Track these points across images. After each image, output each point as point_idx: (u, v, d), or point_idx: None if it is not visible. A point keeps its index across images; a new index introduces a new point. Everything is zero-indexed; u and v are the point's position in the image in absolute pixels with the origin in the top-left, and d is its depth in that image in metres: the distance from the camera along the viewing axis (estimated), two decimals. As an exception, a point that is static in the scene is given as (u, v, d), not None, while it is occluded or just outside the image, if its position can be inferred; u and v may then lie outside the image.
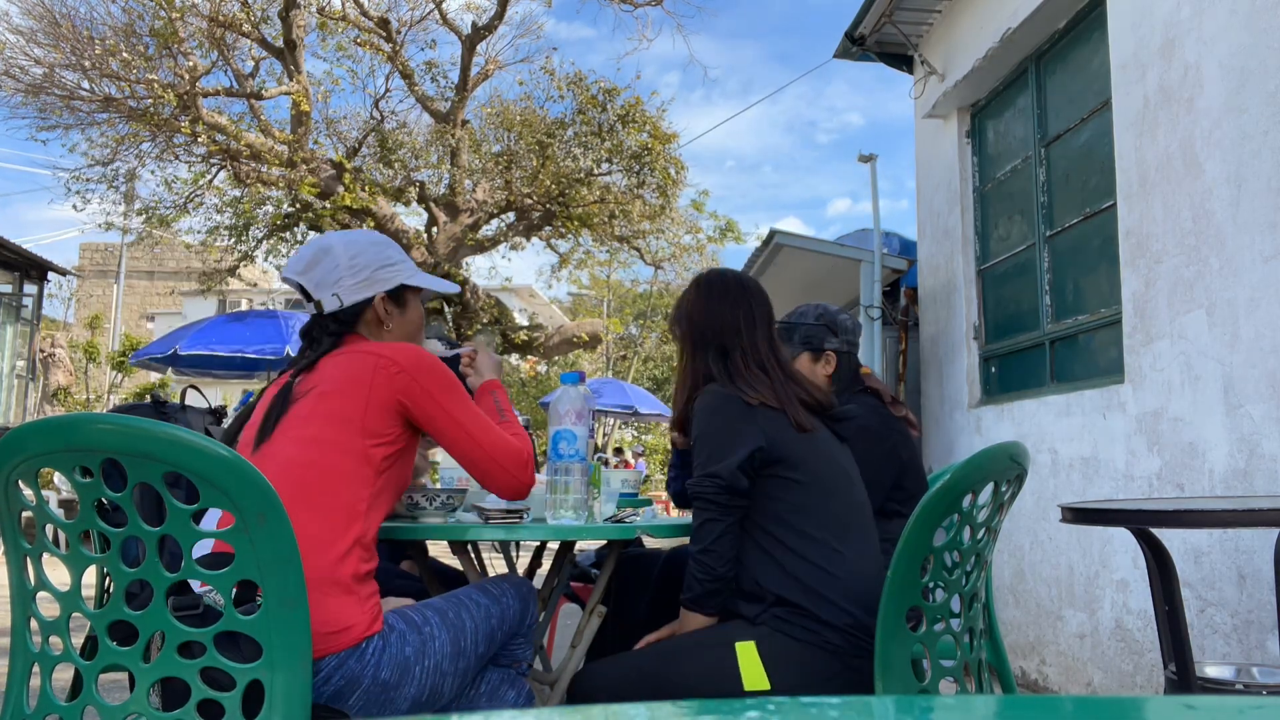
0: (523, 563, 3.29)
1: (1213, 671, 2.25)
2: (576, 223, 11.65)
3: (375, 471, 1.58)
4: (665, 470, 25.69)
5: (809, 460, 1.79)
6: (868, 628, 1.66)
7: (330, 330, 1.75)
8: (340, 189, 10.33)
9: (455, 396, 1.68)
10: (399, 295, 1.83)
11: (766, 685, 1.65)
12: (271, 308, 13.01)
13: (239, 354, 8.13)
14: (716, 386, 1.86)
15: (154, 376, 14.89)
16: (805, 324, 2.69)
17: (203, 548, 1.42)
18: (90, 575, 1.40)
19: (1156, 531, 2.12)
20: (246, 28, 10.09)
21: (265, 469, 1.48)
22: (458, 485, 2.13)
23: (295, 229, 11.73)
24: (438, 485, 2.41)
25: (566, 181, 11.09)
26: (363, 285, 1.77)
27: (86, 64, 9.75)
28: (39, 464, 1.30)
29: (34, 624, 1.39)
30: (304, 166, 10.22)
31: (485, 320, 11.35)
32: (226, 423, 2.22)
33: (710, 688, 1.67)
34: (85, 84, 10.08)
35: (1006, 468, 1.64)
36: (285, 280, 1.81)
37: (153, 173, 11.54)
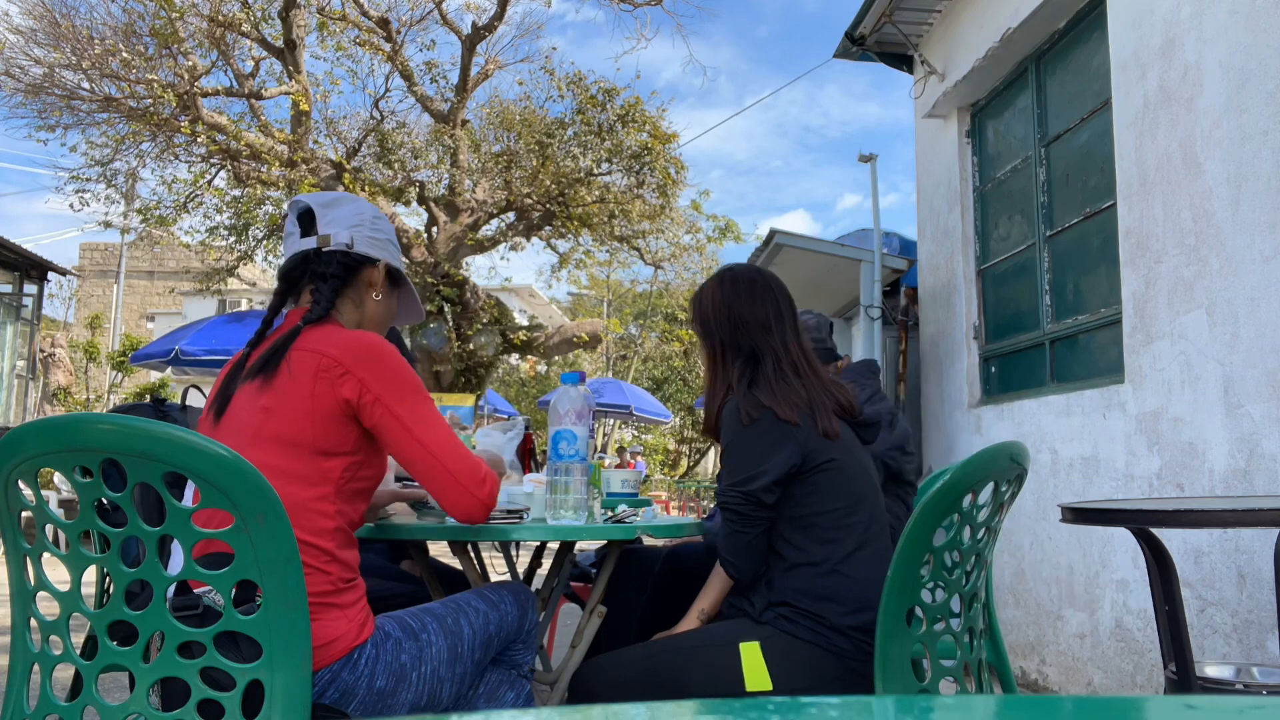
0: (523, 563, 3.29)
1: (1213, 671, 2.25)
2: (576, 223, 11.65)
3: (336, 488, 1.47)
4: (665, 470, 25.69)
5: (838, 467, 1.77)
6: (874, 632, 1.65)
7: (331, 272, 1.62)
8: (340, 189, 10.32)
9: (407, 398, 1.51)
10: (396, 278, 1.76)
11: (769, 685, 1.65)
12: (271, 308, 13.00)
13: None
14: (748, 396, 1.81)
15: (154, 376, 14.90)
16: None
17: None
18: (90, 575, 1.40)
19: (1156, 531, 2.12)
20: (246, 28, 10.09)
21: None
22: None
23: (295, 229, 11.71)
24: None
25: (566, 181, 11.09)
26: (376, 244, 1.69)
27: (86, 64, 9.75)
28: (39, 464, 1.30)
29: (34, 623, 1.39)
30: (304, 166, 10.22)
31: (485, 320, 11.35)
32: None
33: (713, 687, 1.67)
34: (85, 84, 10.07)
35: (1006, 468, 1.63)
36: (292, 206, 1.69)
37: (153, 172, 11.55)
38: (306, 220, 1.67)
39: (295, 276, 1.67)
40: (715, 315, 1.92)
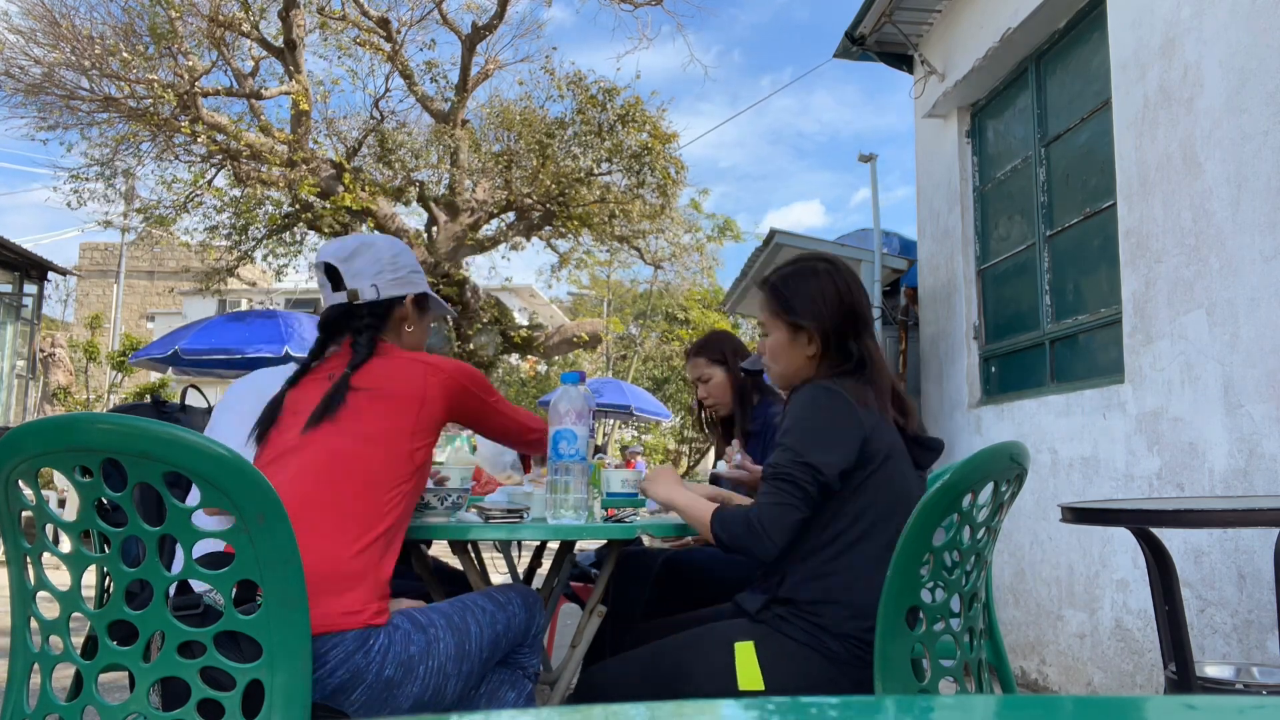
0: (522, 563, 3.29)
1: (1213, 671, 2.25)
2: (576, 222, 11.65)
3: (412, 471, 1.64)
4: (665, 470, 25.57)
5: (884, 474, 1.71)
6: (870, 641, 1.64)
7: (366, 323, 1.79)
8: (340, 189, 10.32)
9: (495, 395, 1.85)
10: (421, 303, 1.91)
11: (761, 686, 1.65)
12: (271, 307, 13.01)
13: (239, 354, 8.12)
14: (833, 382, 1.72)
15: (154, 376, 14.90)
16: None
17: (200, 548, 1.42)
18: (90, 575, 1.40)
19: (1156, 531, 2.12)
20: (246, 27, 10.09)
21: (312, 456, 1.57)
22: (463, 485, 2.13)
23: (295, 229, 11.73)
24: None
25: (566, 181, 11.09)
26: (399, 283, 1.84)
27: (86, 64, 9.74)
28: (39, 464, 1.30)
29: (34, 624, 1.39)
30: (304, 166, 10.22)
31: (485, 320, 11.35)
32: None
33: (711, 687, 1.67)
34: (85, 84, 10.07)
35: (1006, 467, 1.63)
36: (318, 265, 1.84)
37: (152, 172, 11.54)
38: (333, 275, 1.82)
39: (334, 329, 1.83)
40: (826, 301, 1.80)
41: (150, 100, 9.79)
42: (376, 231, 10.56)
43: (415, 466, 1.66)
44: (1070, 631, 3.82)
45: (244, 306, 25.03)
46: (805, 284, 1.82)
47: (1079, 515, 2.03)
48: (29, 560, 1.36)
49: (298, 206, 10.81)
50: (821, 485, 1.64)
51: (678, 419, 24.32)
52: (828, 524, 1.70)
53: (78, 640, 1.37)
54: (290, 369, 2.33)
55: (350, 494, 1.54)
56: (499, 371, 20.38)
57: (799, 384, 1.80)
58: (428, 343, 2.01)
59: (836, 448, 1.65)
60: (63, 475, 1.29)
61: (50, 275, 13.89)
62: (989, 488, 1.63)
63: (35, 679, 1.34)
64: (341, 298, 1.81)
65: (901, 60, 5.90)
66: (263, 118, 10.84)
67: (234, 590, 1.31)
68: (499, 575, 5.29)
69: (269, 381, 2.22)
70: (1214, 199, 3.06)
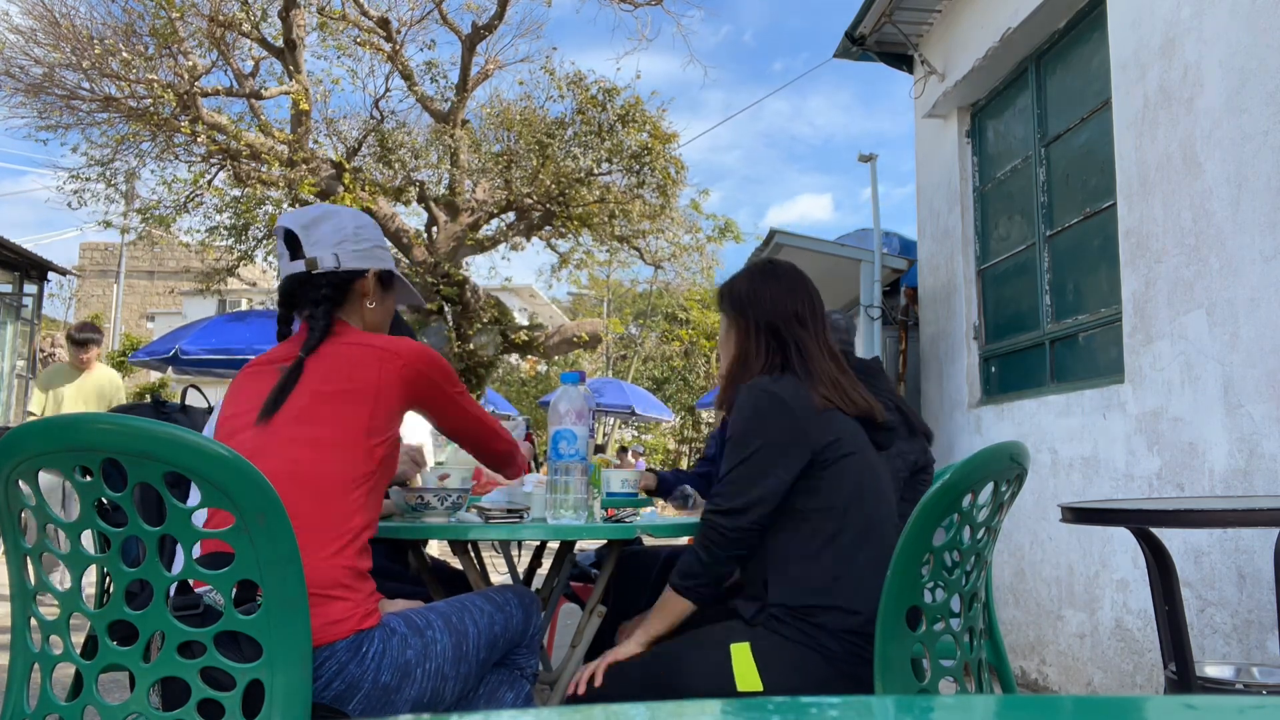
0: (522, 563, 3.29)
1: (1213, 671, 2.25)
2: (576, 223, 11.64)
3: (374, 468, 1.58)
4: (665, 470, 25.62)
5: (845, 466, 1.75)
6: (867, 635, 1.65)
7: (324, 294, 1.70)
8: (340, 189, 10.32)
9: (460, 387, 1.76)
10: (386, 280, 1.83)
11: (759, 686, 1.65)
12: (271, 307, 13.00)
13: (239, 354, 8.12)
14: (772, 382, 1.78)
15: (154, 376, 14.90)
16: None
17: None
18: (90, 575, 1.40)
19: (1156, 531, 2.12)
20: (246, 27, 10.09)
21: (266, 464, 1.48)
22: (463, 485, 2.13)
23: (295, 229, 11.69)
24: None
25: (566, 181, 11.08)
26: (362, 255, 1.76)
27: (86, 64, 9.74)
28: (39, 464, 1.30)
29: (34, 623, 1.39)
30: (304, 166, 10.21)
31: (485, 320, 11.34)
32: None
33: (709, 688, 1.67)
34: (85, 84, 10.07)
35: (1006, 467, 1.63)
36: (278, 230, 1.76)
37: (153, 172, 11.53)
38: (292, 243, 1.73)
39: (293, 300, 1.76)
40: (753, 299, 1.92)
41: (150, 100, 9.78)
42: None
43: (376, 462, 1.58)
44: (1070, 631, 3.82)
45: (244, 306, 25.02)
46: (746, 278, 1.98)
47: (1079, 515, 2.03)
48: (29, 560, 1.36)
49: (298, 206, 10.80)
50: (747, 531, 1.71)
51: (678, 419, 24.32)
52: (800, 522, 1.74)
53: (78, 640, 1.37)
54: None
55: (312, 504, 1.48)
56: (499, 371, 20.39)
57: (740, 381, 1.88)
58: (429, 344, 1.99)
59: (776, 470, 1.71)
60: (63, 475, 1.29)
61: (50, 275, 13.88)
62: (989, 488, 1.63)
63: (35, 678, 1.34)
64: (299, 266, 1.72)
65: (901, 60, 5.90)
66: (263, 118, 10.83)
67: (234, 590, 1.31)
68: (499, 575, 5.29)
69: None
70: (1214, 199, 3.06)
